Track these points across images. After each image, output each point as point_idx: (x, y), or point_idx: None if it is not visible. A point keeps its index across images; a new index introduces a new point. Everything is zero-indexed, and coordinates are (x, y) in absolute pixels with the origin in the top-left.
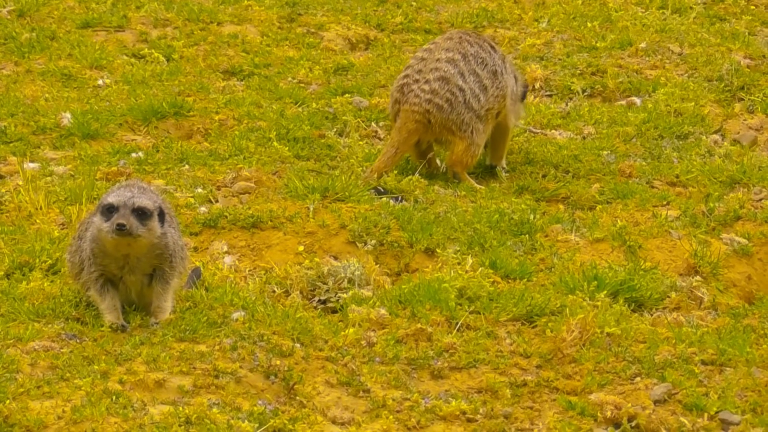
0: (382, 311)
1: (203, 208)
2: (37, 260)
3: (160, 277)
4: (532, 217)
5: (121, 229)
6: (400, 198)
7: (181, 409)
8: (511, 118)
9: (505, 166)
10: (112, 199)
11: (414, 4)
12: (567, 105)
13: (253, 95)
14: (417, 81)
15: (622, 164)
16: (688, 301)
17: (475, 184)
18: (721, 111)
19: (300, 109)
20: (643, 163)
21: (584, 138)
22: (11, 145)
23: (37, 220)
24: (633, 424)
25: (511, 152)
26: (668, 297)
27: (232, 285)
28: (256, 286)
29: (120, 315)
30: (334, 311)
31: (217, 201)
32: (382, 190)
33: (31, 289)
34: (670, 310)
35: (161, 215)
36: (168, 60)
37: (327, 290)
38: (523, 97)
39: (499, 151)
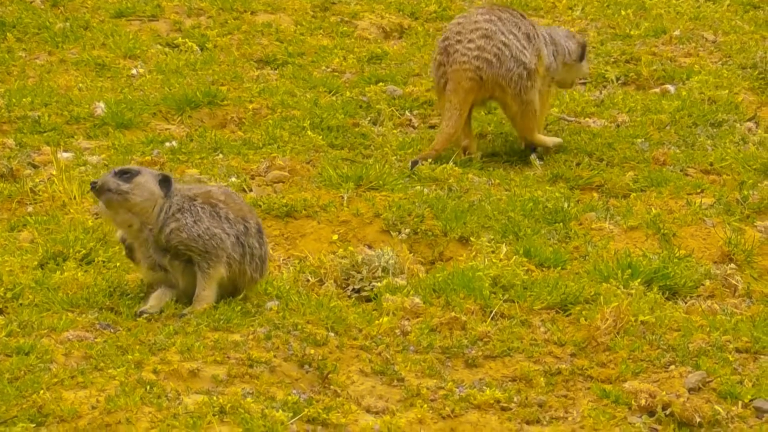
0: (416, 300)
1: None
2: (71, 250)
3: (197, 265)
4: (566, 205)
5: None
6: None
7: (215, 398)
8: (546, 84)
9: (547, 142)
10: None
11: None
12: (601, 93)
13: (287, 84)
14: (460, 41)
15: (656, 152)
16: (723, 289)
17: (548, 140)
18: (755, 98)
19: (334, 98)
20: (677, 150)
21: (618, 126)
22: (45, 134)
23: (71, 210)
24: (667, 412)
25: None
26: (702, 285)
27: (266, 274)
28: (290, 275)
29: (156, 303)
30: (368, 300)
31: (251, 190)
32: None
33: (65, 279)
34: (705, 298)
35: (165, 181)
36: (202, 49)
37: (361, 279)
38: (582, 56)
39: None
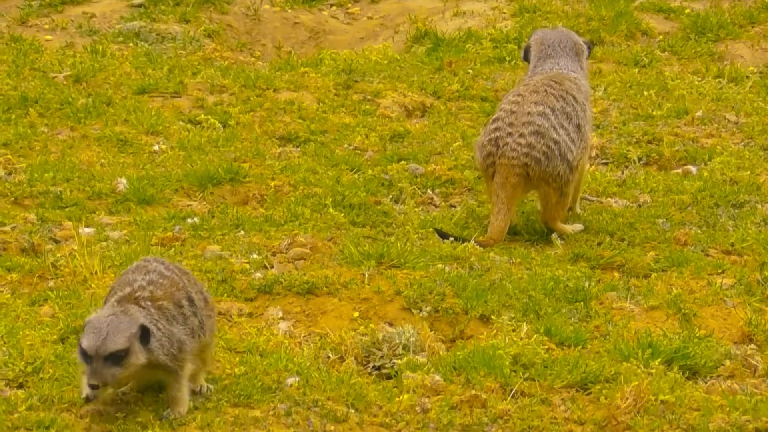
0: (437, 377)
1: (258, 274)
2: None
3: (164, 367)
4: (587, 284)
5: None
6: (461, 239)
7: None
8: (586, 162)
9: (579, 211)
10: (84, 343)
11: (470, 72)
12: (623, 173)
13: (309, 162)
14: (511, 134)
15: (678, 232)
16: (743, 369)
17: (569, 229)
18: None
19: (356, 176)
20: (699, 231)
21: (640, 206)
22: (67, 210)
23: (92, 285)
24: None
25: (566, 221)
26: (722, 365)
27: (287, 351)
28: (310, 351)
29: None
30: (388, 377)
31: (272, 267)
32: (445, 234)
33: None
34: (725, 378)
35: (144, 335)
36: (224, 126)
37: (382, 356)
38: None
39: (575, 194)
